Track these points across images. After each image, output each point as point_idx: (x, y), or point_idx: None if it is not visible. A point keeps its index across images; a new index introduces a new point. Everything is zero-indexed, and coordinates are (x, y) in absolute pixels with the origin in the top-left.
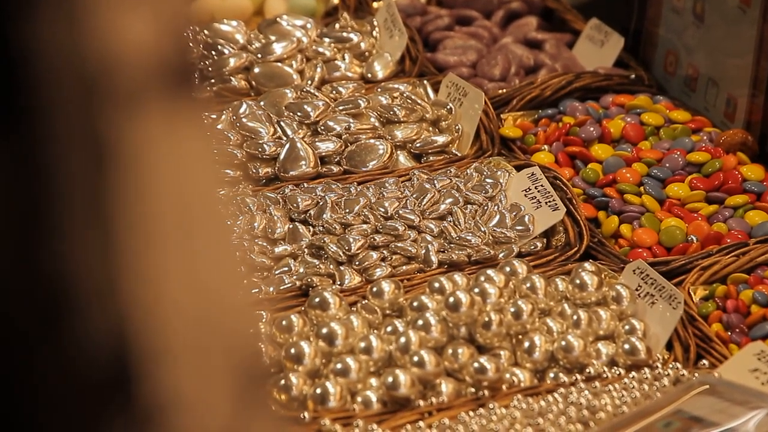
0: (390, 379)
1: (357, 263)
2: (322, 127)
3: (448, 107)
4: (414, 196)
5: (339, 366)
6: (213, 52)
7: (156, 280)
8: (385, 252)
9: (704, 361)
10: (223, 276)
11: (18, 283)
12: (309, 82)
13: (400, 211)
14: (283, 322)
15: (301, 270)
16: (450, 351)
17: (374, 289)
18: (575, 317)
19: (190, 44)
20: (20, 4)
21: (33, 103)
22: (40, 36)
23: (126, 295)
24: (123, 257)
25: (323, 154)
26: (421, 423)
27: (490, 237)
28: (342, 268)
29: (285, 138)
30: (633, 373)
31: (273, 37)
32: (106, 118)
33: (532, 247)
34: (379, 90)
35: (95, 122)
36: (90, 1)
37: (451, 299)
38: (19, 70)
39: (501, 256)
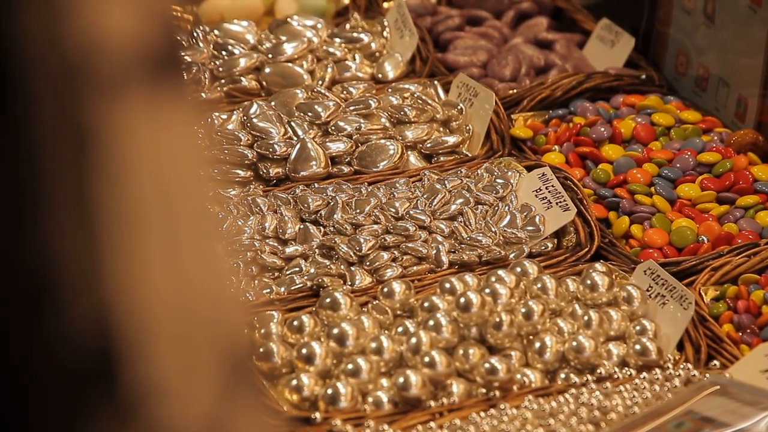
0: (401, 380)
1: (368, 264)
2: (333, 128)
3: (459, 107)
4: (425, 196)
5: (350, 366)
6: (223, 52)
7: (138, 267)
8: (395, 252)
9: (715, 362)
10: (205, 264)
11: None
12: (320, 82)
13: (411, 212)
14: (295, 323)
15: (312, 270)
16: (461, 351)
17: (385, 289)
18: (586, 318)
19: (176, 31)
20: None
21: (14, 89)
22: (21, 22)
23: (109, 282)
24: (105, 244)
25: (334, 154)
26: (432, 423)
27: (501, 237)
28: (353, 268)
29: (296, 138)
30: (644, 374)
31: (283, 38)
32: (87, 104)
33: (543, 248)
34: (389, 90)
35: (77, 109)
36: None
37: (462, 300)
38: (0, 57)
39: (512, 256)
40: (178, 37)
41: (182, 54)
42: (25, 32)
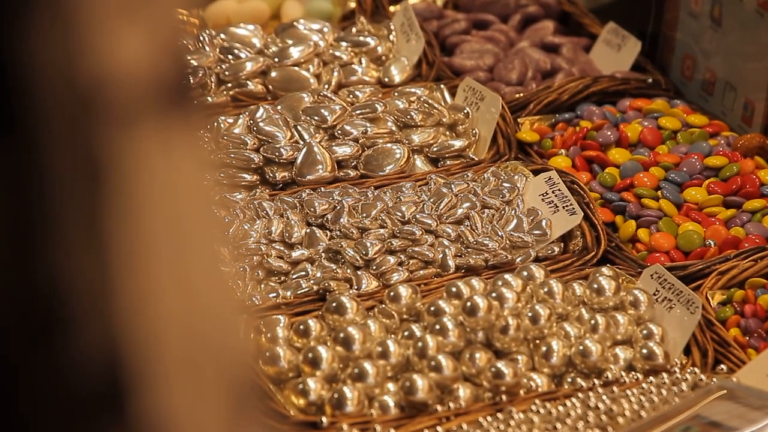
0: (407, 384)
1: (374, 268)
2: (339, 132)
3: (465, 111)
4: (431, 200)
5: (356, 371)
6: (230, 56)
7: (149, 296)
8: (402, 256)
9: (722, 366)
10: (214, 293)
11: (10, 295)
12: (326, 86)
13: (417, 216)
14: (301, 327)
15: (319, 274)
16: (467, 356)
17: (391, 293)
18: (593, 322)
19: (186, 60)
20: (15, 20)
21: (27, 118)
22: (35, 51)
23: (119, 310)
24: (116, 271)
25: (340, 158)
26: (438, 428)
27: (508, 241)
28: (359, 272)
29: (302, 142)
30: (651, 378)
31: (290, 41)
32: (100, 134)
33: (550, 252)
34: (396, 94)
35: (89, 138)
36: (85, 18)
37: (469, 304)
38: (13, 86)
39: (518, 260)
40: (187, 66)
41: (191, 82)
42: (38, 61)
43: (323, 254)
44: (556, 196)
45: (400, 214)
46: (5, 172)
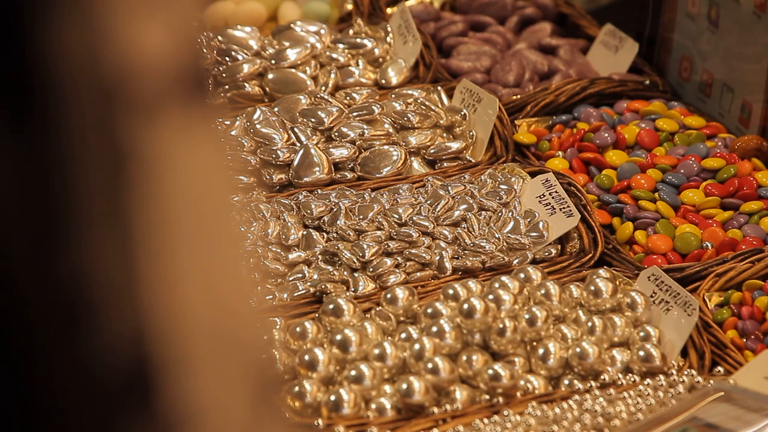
0: (404, 386)
1: (371, 270)
2: (336, 134)
3: (462, 113)
4: (428, 202)
5: (353, 373)
6: (227, 58)
7: (174, 287)
8: (399, 258)
9: (719, 368)
10: (237, 284)
11: (36, 287)
12: (323, 88)
13: (414, 218)
14: (297, 329)
15: (315, 276)
16: (464, 358)
17: (388, 295)
18: (590, 324)
19: (204, 51)
20: (39, 12)
21: (52, 108)
22: (58, 43)
23: (145, 302)
24: (141, 263)
25: (337, 160)
26: (435, 430)
27: (505, 243)
28: (356, 274)
29: (299, 144)
30: (648, 380)
31: (287, 43)
32: (123, 124)
33: (547, 254)
34: (393, 96)
35: (113, 129)
36: (107, 9)
37: (466, 306)
38: (38, 77)
39: (515, 262)
40: (204, 57)
41: (209, 73)
42: (63, 52)
43: (320, 256)
44: (553, 198)
45: (397, 216)
46: (31, 162)
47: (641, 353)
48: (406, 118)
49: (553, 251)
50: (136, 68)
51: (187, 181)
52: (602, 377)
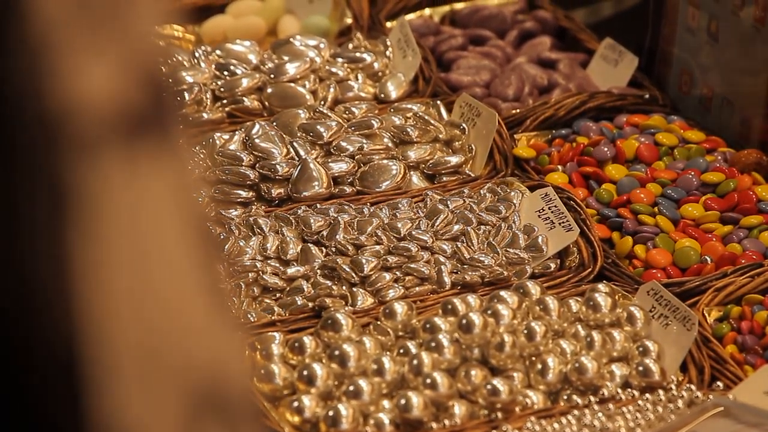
0: (402, 402)
1: (370, 284)
2: (335, 148)
3: (462, 127)
4: (427, 216)
5: (351, 388)
6: (225, 73)
7: (107, 303)
8: (398, 273)
9: (719, 383)
10: (182, 304)
11: None
12: (322, 102)
13: (413, 232)
14: (296, 344)
15: (314, 291)
16: (463, 373)
17: (387, 310)
18: (589, 339)
19: (166, 85)
20: None
21: None
22: (2, 79)
23: (77, 313)
24: (77, 277)
25: (336, 174)
26: None
27: (504, 258)
28: (355, 289)
29: (298, 158)
30: (647, 395)
31: (286, 58)
32: (64, 161)
33: (546, 268)
34: (392, 110)
35: (54, 165)
36: (54, 47)
37: (464, 321)
38: None
39: (514, 277)
40: (166, 89)
41: (175, 104)
42: (8, 88)
43: (319, 271)
44: (552, 212)
45: (395, 231)
46: None
47: (640, 368)
48: (405, 133)
49: (552, 266)
50: (79, 106)
51: (127, 216)
52: (601, 392)
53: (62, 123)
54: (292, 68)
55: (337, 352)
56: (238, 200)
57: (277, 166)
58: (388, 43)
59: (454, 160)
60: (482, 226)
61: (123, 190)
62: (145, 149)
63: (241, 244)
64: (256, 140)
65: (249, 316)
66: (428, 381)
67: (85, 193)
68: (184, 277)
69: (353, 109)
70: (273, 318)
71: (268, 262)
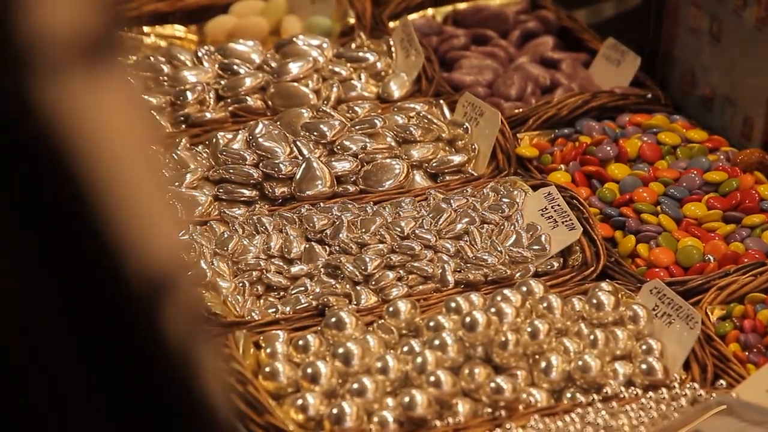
0: (406, 399)
1: (373, 283)
2: (338, 147)
3: (465, 127)
4: (430, 215)
5: (355, 386)
6: (229, 72)
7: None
8: (401, 272)
9: (722, 381)
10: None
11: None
12: (325, 101)
13: (417, 231)
14: (300, 342)
15: (318, 290)
16: (466, 371)
17: (390, 308)
18: (592, 337)
19: (113, 20)
20: None
21: None
22: None
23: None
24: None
25: (339, 173)
26: None
27: (507, 257)
28: (358, 287)
29: (301, 158)
30: (650, 393)
31: (289, 57)
32: (33, 81)
33: (549, 267)
34: (395, 110)
35: (24, 85)
36: None
37: (468, 319)
38: None
39: (517, 275)
40: (115, 20)
41: (118, 34)
42: None
43: (322, 269)
44: (555, 211)
45: (399, 230)
46: None
47: (643, 366)
48: (408, 132)
49: (555, 264)
50: (45, 33)
51: (97, 122)
52: (604, 390)
53: (30, 49)
54: (295, 68)
55: (341, 351)
56: (242, 199)
57: (281, 165)
58: (391, 42)
59: (457, 159)
60: (485, 225)
61: (89, 102)
62: (101, 68)
63: (245, 242)
64: (260, 139)
65: (253, 314)
66: (432, 379)
67: (53, 106)
68: (148, 174)
69: (356, 108)
70: (277, 316)
71: (272, 260)
